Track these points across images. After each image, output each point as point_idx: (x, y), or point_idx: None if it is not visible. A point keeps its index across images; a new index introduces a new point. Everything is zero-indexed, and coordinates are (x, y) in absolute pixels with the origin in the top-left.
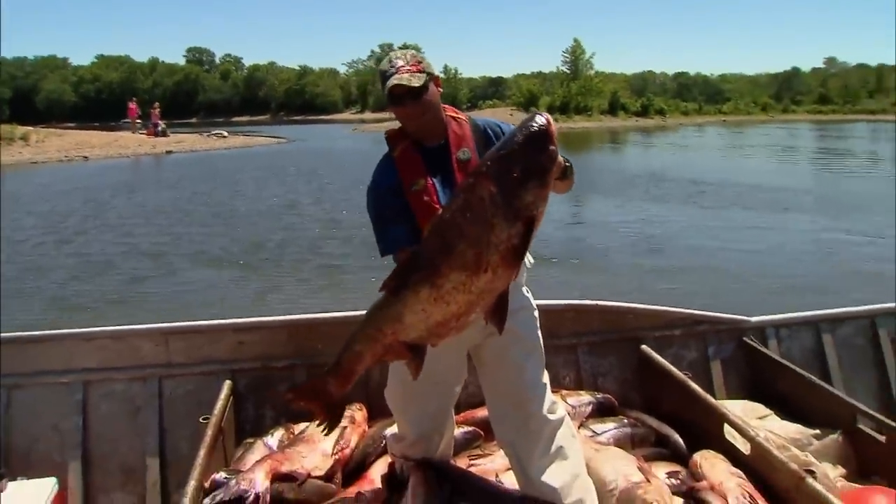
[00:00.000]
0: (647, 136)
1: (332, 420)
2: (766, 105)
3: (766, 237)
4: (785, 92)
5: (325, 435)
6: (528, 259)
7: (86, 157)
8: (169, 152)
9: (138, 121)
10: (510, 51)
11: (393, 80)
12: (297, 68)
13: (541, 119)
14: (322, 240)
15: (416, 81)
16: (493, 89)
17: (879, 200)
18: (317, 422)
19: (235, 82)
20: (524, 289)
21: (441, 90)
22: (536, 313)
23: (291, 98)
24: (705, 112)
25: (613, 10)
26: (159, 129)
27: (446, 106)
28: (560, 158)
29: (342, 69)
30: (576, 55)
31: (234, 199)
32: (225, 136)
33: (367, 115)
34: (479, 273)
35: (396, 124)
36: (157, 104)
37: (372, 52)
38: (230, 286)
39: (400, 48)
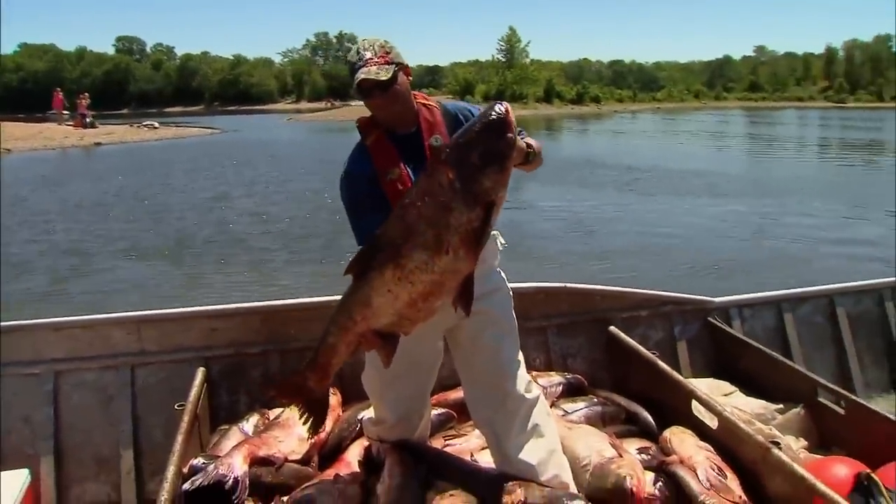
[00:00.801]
0: (583, 123)
1: (317, 415)
2: (699, 92)
3: (696, 221)
4: (717, 79)
5: (312, 433)
6: (500, 241)
7: (8, 150)
8: (97, 144)
9: (65, 112)
10: (447, 39)
11: (361, 74)
12: (231, 58)
13: (500, 108)
14: (251, 234)
15: (384, 74)
16: (429, 78)
17: (808, 183)
18: (302, 419)
19: (168, 72)
20: (497, 270)
21: (410, 78)
22: (510, 295)
23: (226, 88)
24: (640, 99)
25: None
26: (87, 120)
27: (416, 93)
28: (522, 143)
29: (277, 59)
30: (511, 43)
31: (163, 193)
32: (156, 128)
33: (303, 104)
34: (440, 253)
35: (333, 115)
36: (84, 94)
37: (307, 41)
38: (151, 283)
39: (366, 39)
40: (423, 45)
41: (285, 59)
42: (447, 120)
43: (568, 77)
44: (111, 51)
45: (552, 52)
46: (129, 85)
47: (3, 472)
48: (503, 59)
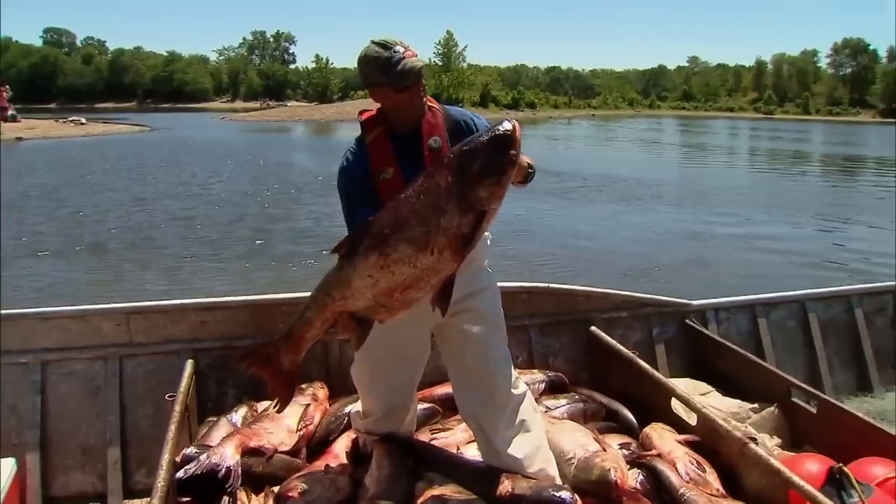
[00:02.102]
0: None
1: (284, 391)
2: (634, 100)
3: (627, 226)
4: (652, 88)
5: (278, 412)
6: (488, 237)
7: None
8: (19, 139)
9: None
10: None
11: (412, 62)
12: (165, 54)
13: (508, 125)
14: (166, 234)
15: (420, 62)
16: None
17: (737, 191)
18: (270, 392)
19: (99, 67)
20: (487, 269)
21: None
22: (499, 294)
23: (159, 85)
24: (575, 106)
25: (490, 1)
26: (9, 114)
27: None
28: (525, 162)
29: (213, 56)
30: (448, 47)
31: (80, 192)
32: (83, 123)
33: (239, 104)
34: (425, 250)
35: (267, 114)
36: (5, 86)
37: (244, 39)
38: (50, 283)
39: (376, 41)
40: (361, 45)
41: (221, 58)
42: (449, 124)
43: (506, 82)
44: (39, 42)
45: (491, 56)
46: (57, 79)
47: None
48: (440, 63)
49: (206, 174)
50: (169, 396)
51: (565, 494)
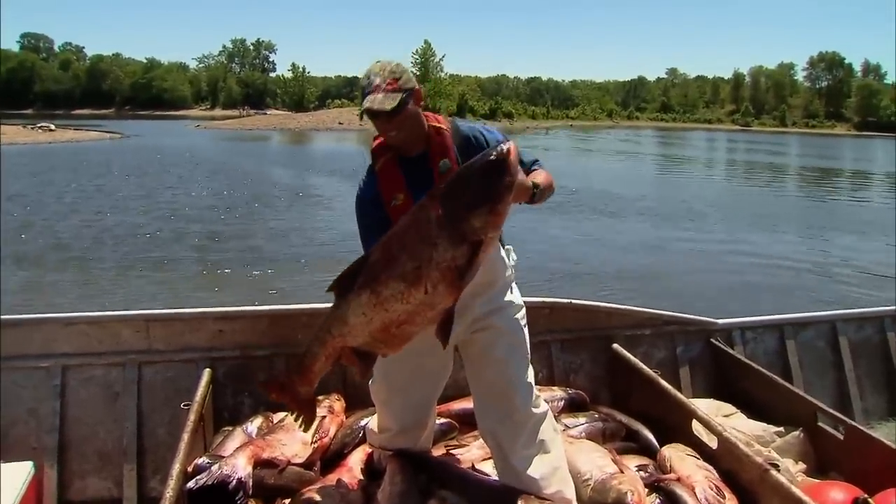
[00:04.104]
0: None
1: (306, 414)
2: (612, 111)
3: (600, 238)
4: (631, 100)
5: (304, 430)
6: (512, 256)
7: None
8: None
9: None
10: (367, 50)
11: (366, 102)
12: (144, 61)
13: (502, 148)
14: (106, 248)
15: (389, 104)
16: (347, 89)
17: (715, 206)
18: (293, 416)
19: (77, 73)
20: (512, 285)
21: (422, 103)
22: (523, 311)
23: (138, 92)
24: (553, 116)
25: (471, 11)
26: None
27: (428, 114)
28: (526, 182)
29: (192, 64)
30: (425, 57)
31: (27, 201)
32: (52, 130)
33: (218, 111)
34: (417, 286)
35: (242, 122)
36: None
37: (224, 47)
38: None
39: (379, 61)
40: (343, 54)
41: (200, 65)
42: (458, 141)
43: (485, 92)
44: (15, 48)
45: (471, 66)
46: (34, 84)
47: (7, 464)
48: (417, 73)
49: (170, 184)
50: (184, 405)
51: None
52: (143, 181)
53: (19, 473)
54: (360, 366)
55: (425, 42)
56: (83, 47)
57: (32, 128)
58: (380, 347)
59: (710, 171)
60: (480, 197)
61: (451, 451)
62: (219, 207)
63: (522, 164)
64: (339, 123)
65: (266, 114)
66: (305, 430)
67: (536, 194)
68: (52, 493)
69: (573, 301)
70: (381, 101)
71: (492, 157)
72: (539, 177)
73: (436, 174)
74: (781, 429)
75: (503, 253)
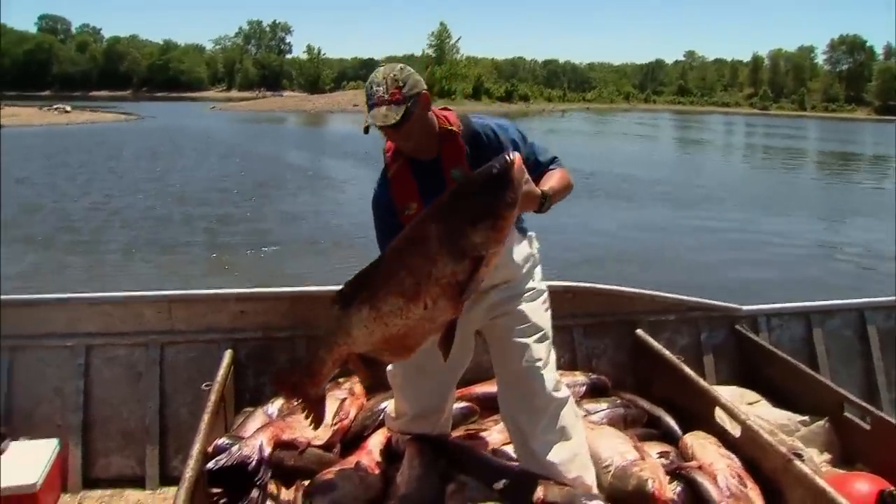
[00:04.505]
0: (512, 121)
1: (315, 412)
2: (629, 94)
3: (618, 222)
4: (649, 83)
5: (314, 429)
6: (535, 245)
7: None
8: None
9: None
10: (383, 32)
11: (369, 118)
12: (161, 43)
13: (503, 161)
14: (113, 231)
15: (393, 117)
16: (363, 71)
17: (734, 190)
18: (303, 414)
19: (94, 55)
20: (536, 271)
21: (431, 108)
22: (546, 295)
23: (155, 73)
24: (570, 99)
25: None
26: None
27: (439, 113)
28: (534, 192)
29: (209, 45)
30: (441, 39)
31: (38, 184)
32: (67, 112)
33: (234, 93)
34: (417, 301)
35: (259, 105)
36: None
37: (240, 29)
38: None
39: (384, 64)
40: (359, 36)
41: (217, 47)
42: (468, 138)
43: (502, 75)
44: (33, 29)
45: (488, 49)
46: (52, 66)
47: (33, 441)
48: (433, 55)
49: (180, 167)
50: (206, 386)
51: None
52: (156, 163)
53: (45, 450)
54: (363, 372)
55: (441, 24)
56: (100, 29)
57: (48, 109)
58: (385, 356)
59: (728, 155)
60: (482, 212)
61: (471, 436)
62: (231, 190)
63: (539, 164)
64: (354, 105)
65: (282, 96)
66: (315, 429)
67: (545, 203)
68: (76, 469)
69: (596, 285)
70: (385, 115)
71: (494, 170)
72: (552, 180)
73: (448, 183)
74: (806, 418)
75: (525, 241)
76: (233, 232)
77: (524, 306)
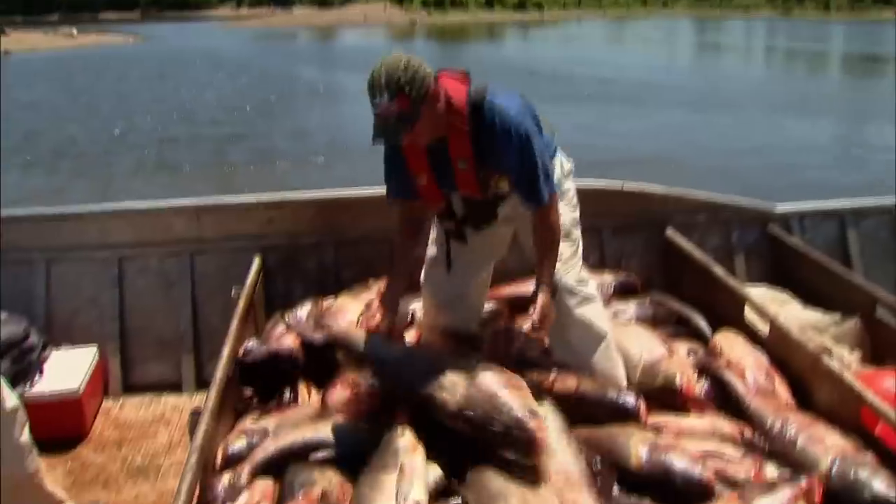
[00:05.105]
0: (527, 30)
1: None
2: (647, 0)
3: (637, 125)
4: None
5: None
6: (565, 165)
7: None
8: (7, 53)
9: None
10: None
11: (375, 135)
12: None
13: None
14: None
15: (394, 137)
16: None
17: (754, 96)
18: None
19: None
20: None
21: (440, 102)
22: (571, 194)
23: None
24: (584, 6)
25: None
26: None
27: (443, 93)
28: (552, 314)
29: None
30: None
31: (42, 108)
32: (74, 36)
33: (244, 10)
34: None
35: (270, 21)
36: None
37: None
38: None
39: (385, 62)
40: None
41: None
42: (473, 130)
43: None
44: None
45: None
46: None
47: (73, 349)
48: None
49: (188, 86)
50: (235, 291)
51: (630, 399)
52: (163, 84)
53: (85, 357)
54: None
55: None
56: None
57: (54, 33)
58: None
59: (750, 61)
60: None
61: (500, 333)
62: (243, 108)
63: (537, 193)
64: (365, 19)
65: (292, 12)
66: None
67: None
68: (116, 376)
69: (625, 184)
70: (393, 134)
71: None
72: (547, 268)
73: (456, 169)
74: (837, 317)
75: (556, 163)
76: (243, 149)
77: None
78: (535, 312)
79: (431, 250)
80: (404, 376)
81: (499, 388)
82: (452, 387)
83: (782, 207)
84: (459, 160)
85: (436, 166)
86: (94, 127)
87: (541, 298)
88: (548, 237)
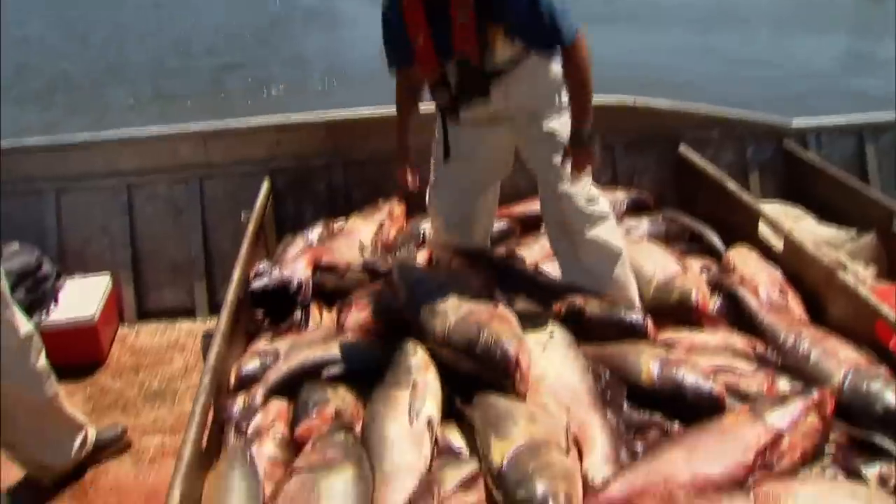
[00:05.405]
0: None
1: None
2: None
3: (646, 42)
4: None
5: None
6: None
7: None
8: None
9: None
10: None
11: None
12: None
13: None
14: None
15: None
16: None
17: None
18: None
19: None
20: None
21: None
22: None
23: None
24: None
25: None
26: None
27: None
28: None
29: None
30: None
31: (35, 42)
32: None
33: None
34: None
35: None
36: None
37: None
38: None
39: None
40: None
41: None
42: None
43: None
44: None
45: None
46: None
47: (87, 277)
48: None
49: (184, 13)
50: (244, 216)
51: (636, 317)
52: (159, 12)
53: (98, 285)
54: None
55: None
56: None
57: None
58: None
59: None
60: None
61: (511, 252)
62: (239, 35)
63: (557, 33)
64: None
65: None
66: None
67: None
68: (130, 302)
69: (637, 100)
70: None
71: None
72: (575, 112)
73: (455, 25)
74: (853, 232)
75: (551, 64)
76: (239, 77)
77: (553, 123)
78: (570, 159)
79: (434, 162)
80: (415, 300)
81: (485, 317)
82: (443, 315)
83: (798, 122)
84: (460, 10)
85: (433, 23)
86: (88, 57)
87: (574, 144)
88: (577, 77)
